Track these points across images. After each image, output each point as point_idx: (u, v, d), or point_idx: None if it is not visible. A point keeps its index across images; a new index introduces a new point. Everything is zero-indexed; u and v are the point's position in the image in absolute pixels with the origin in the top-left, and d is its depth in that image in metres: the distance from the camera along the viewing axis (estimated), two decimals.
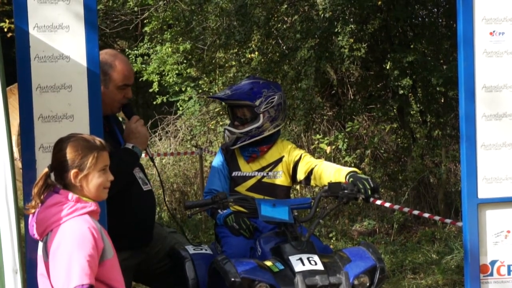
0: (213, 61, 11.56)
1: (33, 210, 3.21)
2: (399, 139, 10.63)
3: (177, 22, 11.92)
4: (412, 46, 9.72)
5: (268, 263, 3.92)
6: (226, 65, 11.69)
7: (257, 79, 4.90)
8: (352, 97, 10.87)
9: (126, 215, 4.27)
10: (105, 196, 3.32)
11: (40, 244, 3.22)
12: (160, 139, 12.72)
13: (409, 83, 9.21)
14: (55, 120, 3.89)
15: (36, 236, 3.22)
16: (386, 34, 9.87)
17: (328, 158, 9.74)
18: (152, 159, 4.86)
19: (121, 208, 4.20)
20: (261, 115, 4.60)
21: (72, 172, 3.18)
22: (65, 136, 3.27)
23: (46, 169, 3.23)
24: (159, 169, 11.42)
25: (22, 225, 3.49)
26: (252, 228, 4.41)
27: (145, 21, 12.99)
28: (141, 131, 4.37)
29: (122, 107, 4.49)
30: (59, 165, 3.20)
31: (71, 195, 3.18)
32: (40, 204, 3.19)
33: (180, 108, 13.43)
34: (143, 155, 4.52)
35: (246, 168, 4.67)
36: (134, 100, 17.16)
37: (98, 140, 3.27)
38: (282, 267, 3.86)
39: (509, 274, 4.46)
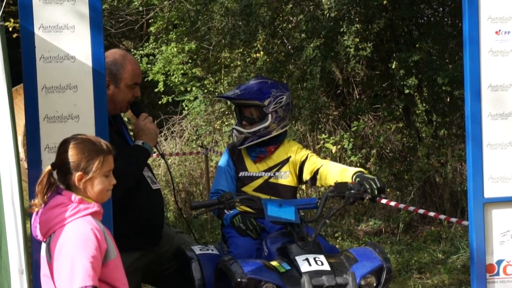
0: (218, 61, 11.55)
1: (36, 209, 3.20)
2: (404, 139, 10.62)
3: (182, 22, 11.93)
4: (417, 46, 9.70)
5: (275, 263, 3.91)
6: (232, 65, 11.69)
7: (265, 79, 4.90)
8: (357, 97, 10.86)
9: (136, 215, 4.28)
10: (108, 198, 3.31)
11: (44, 245, 3.23)
12: (165, 139, 12.73)
13: (415, 83, 9.19)
14: (61, 121, 3.89)
15: (39, 237, 3.22)
16: (391, 33, 9.86)
17: (333, 158, 9.74)
18: (162, 155, 4.86)
19: (132, 207, 4.21)
20: (270, 115, 4.59)
21: (77, 175, 3.17)
22: (70, 137, 3.26)
23: (49, 167, 3.23)
24: (165, 170, 11.42)
25: (28, 225, 3.49)
26: (259, 228, 4.41)
27: (150, 21, 12.99)
28: (150, 127, 4.39)
29: (130, 106, 4.50)
30: (63, 166, 3.20)
31: (74, 196, 3.17)
32: (43, 203, 3.19)
33: (186, 108, 13.43)
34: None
35: (253, 168, 4.67)
36: (139, 99, 17.07)
37: (104, 143, 3.26)
38: (288, 267, 3.86)
39: None
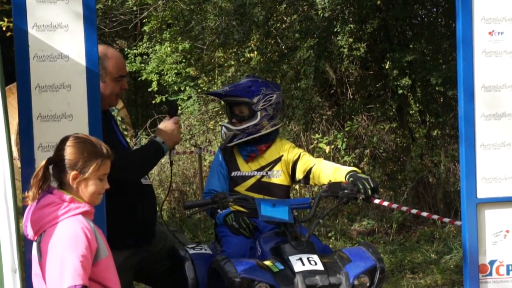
0: (212, 60, 11.57)
1: (30, 202, 3.19)
2: (398, 139, 10.63)
3: (176, 22, 11.93)
4: (411, 46, 9.72)
5: (268, 263, 3.91)
6: (225, 64, 11.71)
7: (256, 77, 4.91)
8: (351, 97, 10.87)
9: (128, 212, 4.28)
10: (99, 202, 3.31)
11: (35, 244, 3.22)
12: None
13: (408, 83, 9.21)
14: (54, 120, 3.89)
15: (30, 236, 3.21)
16: (385, 33, 9.87)
17: (327, 158, 9.74)
18: (171, 162, 4.86)
19: (123, 205, 4.20)
20: (259, 113, 4.60)
21: (72, 174, 3.17)
22: (72, 135, 3.26)
23: (45, 161, 3.21)
24: (159, 169, 11.43)
25: (21, 224, 3.49)
26: (252, 227, 4.41)
27: (144, 21, 12.99)
28: (176, 133, 4.47)
29: (170, 106, 4.64)
30: (60, 162, 3.19)
31: (65, 196, 3.17)
32: (37, 197, 3.17)
33: (179, 108, 13.43)
34: None
35: (245, 168, 4.67)
36: (133, 99, 17.14)
37: (104, 147, 3.26)
38: (282, 267, 3.86)
39: (508, 273, 4.47)
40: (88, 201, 3.23)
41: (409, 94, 10.08)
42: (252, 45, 10.16)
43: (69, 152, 3.18)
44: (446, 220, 7.51)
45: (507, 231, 4.46)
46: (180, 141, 4.58)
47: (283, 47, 10.18)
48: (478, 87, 4.38)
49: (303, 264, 3.83)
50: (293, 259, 3.86)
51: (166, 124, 4.47)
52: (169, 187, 5.42)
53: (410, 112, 10.37)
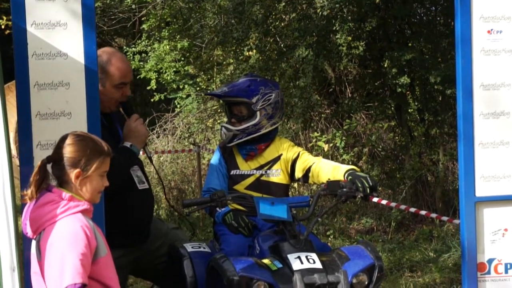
0: (211, 58, 11.55)
1: (29, 200, 3.19)
2: (396, 137, 10.63)
3: (175, 20, 11.91)
4: (410, 44, 9.72)
5: (267, 261, 3.91)
6: (224, 63, 11.69)
7: (254, 76, 4.90)
8: (350, 95, 10.87)
9: (120, 214, 4.26)
10: (98, 200, 3.31)
11: (34, 243, 3.22)
12: (157, 137, 12.71)
13: (407, 81, 9.20)
14: (53, 118, 3.89)
15: (29, 234, 3.21)
16: (384, 32, 9.87)
17: (325, 156, 9.74)
18: (150, 158, 4.85)
19: (116, 207, 4.19)
20: (258, 113, 4.59)
21: (75, 172, 3.16)
22: (72, 133, 3.25)
23: (44, 159, 3.20)
24: (157, 167, 11.40)
25: (20, 222, 3.49)
26: (250, 225, 4.40)
27: (143, 19, 12.96)
28: (140, 130, 4.39)
29: (122, 106, 4.49)
30: (61, 160, 3.18)
31: (64, 194, 3.16)
32: (36, 195, 3.17)
33: (178, 106, 13.41)
34: (140, 153, 4.53)
35: (244, 166, 4.67)
36: (132, 97, 17.02)
37: (105, 144, 3.26)
38: (280, 265, 3.86)
39: (506, 272, 4.47)
40: (89, 199, 3.23)
41: (408, 92, 10.07)
42: (251, 43, 10.14)
43: (70, 150, 3.17)
44: (445, 218, 7.51)
45: (506, 230, 4.47)
46: (148, 134, 4.48)
47: (282, 45, 10.17)
48: (476, 85, 4.38)
49: (302, 263, 3.83)
50: (291, 257, 3.86)
51: (127, 125, 4.41)
52: (163, 186, 5.39)
53: (409, 110, 10.36)
